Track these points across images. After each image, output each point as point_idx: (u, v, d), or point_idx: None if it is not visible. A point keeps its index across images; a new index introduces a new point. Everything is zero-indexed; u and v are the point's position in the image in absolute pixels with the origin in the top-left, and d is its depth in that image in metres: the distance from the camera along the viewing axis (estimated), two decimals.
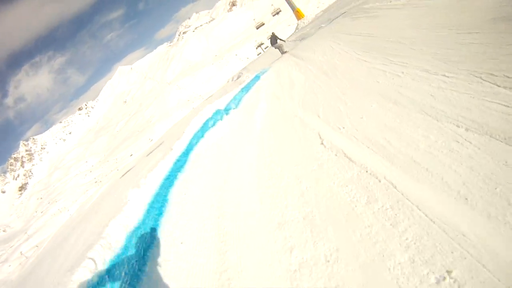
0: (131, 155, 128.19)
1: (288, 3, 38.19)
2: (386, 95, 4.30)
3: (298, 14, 40.53)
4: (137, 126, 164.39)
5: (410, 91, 4.02)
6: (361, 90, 4.95)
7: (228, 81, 24.74)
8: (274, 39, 16.72)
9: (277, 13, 52.00)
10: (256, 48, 71.99)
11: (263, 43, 66.69)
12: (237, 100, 8.74)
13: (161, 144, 10.93)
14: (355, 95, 4.93)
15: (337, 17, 14.65)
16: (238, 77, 20.91)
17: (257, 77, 10.91)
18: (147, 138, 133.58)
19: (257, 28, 60.57)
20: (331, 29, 11.90)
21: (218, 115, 7.46)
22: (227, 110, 7.91)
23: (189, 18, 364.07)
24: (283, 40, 16.91)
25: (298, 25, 36.38)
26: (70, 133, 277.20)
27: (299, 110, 5.78)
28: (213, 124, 6.88)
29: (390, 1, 10.12)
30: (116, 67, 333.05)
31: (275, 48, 16.93)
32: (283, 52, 15.89)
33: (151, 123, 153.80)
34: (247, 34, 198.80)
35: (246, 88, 9.81)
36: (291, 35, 35.16)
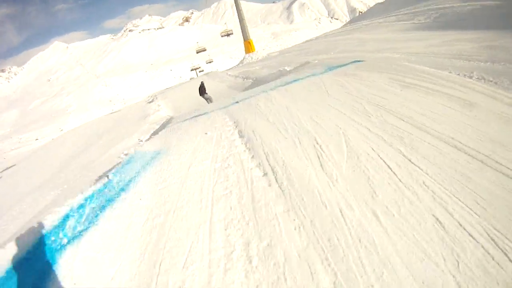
0: (37, 139, 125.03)
1: (242, 27, 35.11)
2: None
3: (249, 46, 36.40)
4: (52, 110, 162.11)
5: None
6: None
7: (133, 107, 23.99)
8: (202, 89, 17.05)
9: (228, 34, 46.70)
10: (191, 70, 70.91)
11: (200, 68, 67.85)
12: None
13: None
14: None
15: (344, 65, 9.13)
16: (151, 101, 21.51)
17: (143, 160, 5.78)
18: (58, 126, 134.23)
19: (197, 52, 56.82)
20: (331, 87, 7.18)
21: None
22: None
23: (140, 18, 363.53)
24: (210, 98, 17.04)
25: (244, 58, 32.49)
26: None
27: None
28: None
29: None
30: (53, 41, 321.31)
31: (204, 98, 17.01)
32: (208, 99, 16.73)
33: (67, 112, 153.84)
34: (188, 53, 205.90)
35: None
36: (232, 68, 33.22)
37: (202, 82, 17.36)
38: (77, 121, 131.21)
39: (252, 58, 30.73)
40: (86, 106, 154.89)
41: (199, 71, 67.95)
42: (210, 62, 66.55)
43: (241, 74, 21.58)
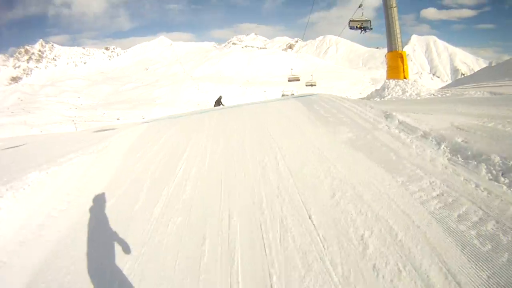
0: (118, 119, 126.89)
1: (390, 35, 17.56)
2: None
3: (397, 69, 17.71)
4: (141, 97, 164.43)
5: None
6: None
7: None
8: (218, 102, 19.56)
9: (312, 85, 44.38)
10: (282, 96, 65.46)
11: (293, 93, 60.78)
12: None
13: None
14: None
15: None
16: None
17: None
18: (141, 114, 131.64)
19: (289, 81, 54.53)
20: None
21: None
22: None
23: (246, 35, 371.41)
24: (223, 105, 19.41)
25: (387, 85, 16.43)
26: (85, 63, 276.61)
27: None
28: None
29: None
30: (159, 35, 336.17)
31: (216, 107, 18.86)
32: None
33: (154, 102, 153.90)
34: (285, 79, 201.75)
35: None
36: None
37: (220, 96, 20.63)
38: (161, 114, 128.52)
39: (403, 89, 14.98)
40: (173, 103, 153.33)
41: (290, 94, 59.90)
42: (312, 86, 55.10)
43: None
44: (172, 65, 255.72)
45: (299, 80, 51.28)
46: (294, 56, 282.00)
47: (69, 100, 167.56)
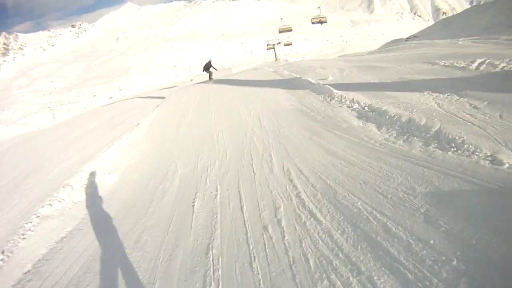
0: (95, 95, 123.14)
1: None
2: None
3: None
4: (116, 69, 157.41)
5: None
6: None
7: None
8: (208, 66, 20.81)
9: (321, 22, 36.78)
10: (268, 49, 61.22)
11: (280, 43, 57.60)
12: None
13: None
14: None
15: None
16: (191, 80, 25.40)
17: None
18: (118, 85, 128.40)
19: (280, 32, 47.87)
20: None
21: None
22: None
23: None
24: (215, 69, 21.44)
25: None
26: (53, 45, 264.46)
27: None
28: None
29: None
30: (126, 2, 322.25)
31: (206, 72, 21.13)
32: (210, 78, 20.79)
33: (130, 71, 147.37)
34: (261, 28, 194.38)
35: None
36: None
37: (210, 60, 21.15)
38: (138, 82, 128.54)
39: None
40: (149, 68, 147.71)
41: (276, 43, 57.23)
42: (288, 45, 55.42)
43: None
44: (142, 30, 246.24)
45: (291, 30, 47.76)
46: (268, 4, 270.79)
47: (42, 87, 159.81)
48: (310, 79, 11.41)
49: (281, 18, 50.03)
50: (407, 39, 43.88)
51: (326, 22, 37.05)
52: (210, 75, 21.16)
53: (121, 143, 8.70)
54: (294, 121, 7.53)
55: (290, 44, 55.30)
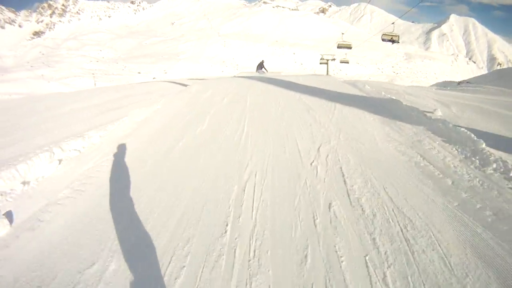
0: (139, 72, 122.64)
1: None
2: None
3: None
4: (165, 52, 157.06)
5: None
6: None
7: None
8: (260, 66, 21.31)
9: (393, 40, 29.90)
10: (320, 63, 56.86)
11: (335, 59, 53.93)
12: None
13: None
14: None
15: None
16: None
17: None
18: (163, 68, 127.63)
19: (339, 47, 43.53)
20: None
21: None
22: None
23: None
24: (266, 70, 21.39)
25: None
26: (109, 16, 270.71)
27: None
28: None
29: None
30: None
31: (258, 71, 20.94)
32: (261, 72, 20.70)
33: (178, 57, 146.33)
34: (316, 43, 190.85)
35: None
36: None
37: (262, 60, 21.75)
38: (184, 69, 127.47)
39: None
40: (198, 59, 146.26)
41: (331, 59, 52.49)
42: (345, 62, 49.86)
43: None
44: (199, 20, 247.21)
45: (350, 47, 42.91)
46: (327, 20, 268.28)
47: (91, 54, 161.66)
48: (421, 108, 7.46)
49: (342, 33, 45.53)
50: (459, 83, 41.35)
51: (398, 42, 30.56)
52: (260, 72, 20.89)
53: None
54: (423, 204, 3.59)
55: (347, 62, 50.18)
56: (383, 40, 33.32)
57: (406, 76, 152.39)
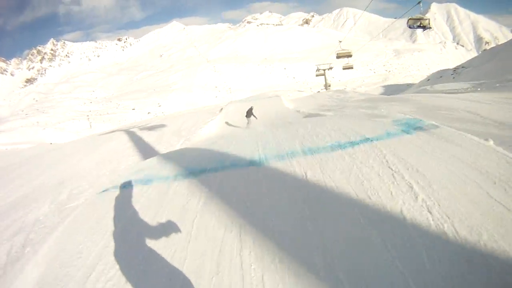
0: (133, 109, 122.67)
1: None
2: None
3: None
4: (157, 85, 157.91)
5: None
6: None
7: None
8: (249, 113, 20.56)
9: (422, 26, 28.55)
10: (316, 76, 55.65)
11: (332, 67, 53.20)
12: None
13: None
14: None
15: None
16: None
17: None
18: (157, 101, 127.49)
19: (337, 57, 42.00)
20: None
21: None
22: None
23: (260, 13, 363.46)
24: (255, 117, 20.61)
25: None
26: (98, 56, 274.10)
27: None
28: None
29: None
30: (172, 21, 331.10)
31: (247, 118, 20.62)
32: (248, 123, 20.34)
33: (170, 89, 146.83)
34: (305, 54, 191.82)
35: None
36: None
37: (251, 107, 21.16)
38: (178, 100, 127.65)
39: None
40: (190, 88, 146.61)
41: (328, 69, 53.61)
42: (349, 68, 49.72)
43: None
44: (186, 49, 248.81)
45: (351, 55, 43.10)
46: (312, 30, 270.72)
47: (84, 95, 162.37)
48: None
49: (340, 41, 44.23)
50: (454, 70, 41.48)
51: (430, 27, 28.60)
52: (248, 122, 20.59)
53: None
54: None
55: (351, 68, 50.00)
56: (409, 27, 28.23)
57: (399, 73, 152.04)
